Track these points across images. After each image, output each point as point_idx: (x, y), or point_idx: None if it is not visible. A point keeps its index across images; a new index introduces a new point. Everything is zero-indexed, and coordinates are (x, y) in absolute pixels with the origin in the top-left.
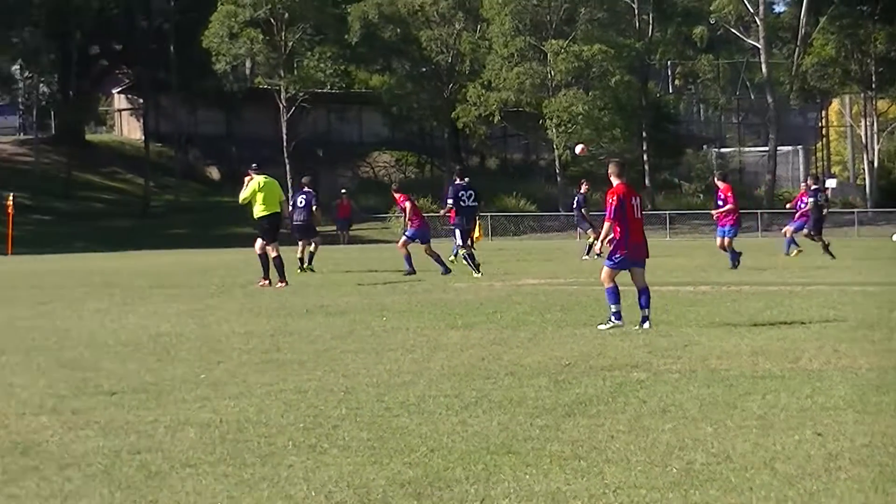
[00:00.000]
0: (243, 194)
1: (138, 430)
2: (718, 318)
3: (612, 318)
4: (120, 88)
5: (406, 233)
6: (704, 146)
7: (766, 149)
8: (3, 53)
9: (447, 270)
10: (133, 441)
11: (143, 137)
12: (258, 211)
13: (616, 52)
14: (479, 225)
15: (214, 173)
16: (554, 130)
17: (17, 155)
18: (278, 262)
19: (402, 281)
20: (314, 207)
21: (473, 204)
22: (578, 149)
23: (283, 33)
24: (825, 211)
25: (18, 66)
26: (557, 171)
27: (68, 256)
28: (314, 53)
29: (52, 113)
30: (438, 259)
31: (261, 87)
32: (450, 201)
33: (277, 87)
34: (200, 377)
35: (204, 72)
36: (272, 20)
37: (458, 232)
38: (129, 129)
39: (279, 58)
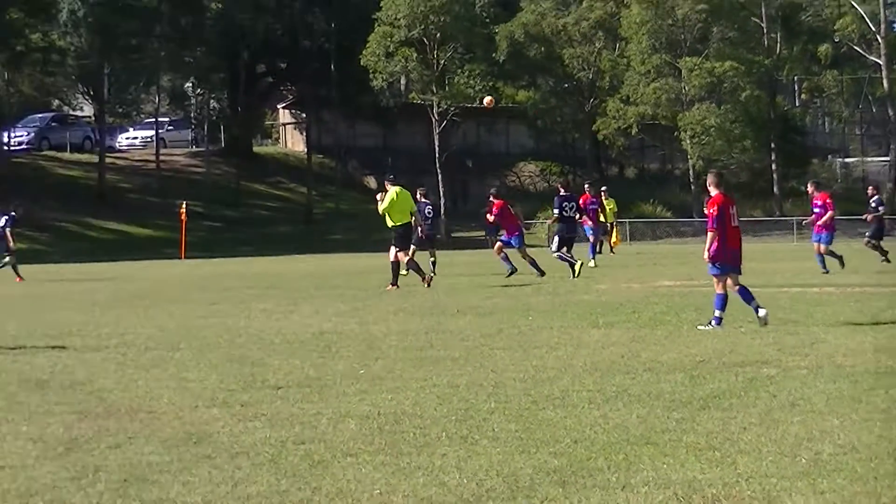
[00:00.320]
0: (383, 205)
1: (302, 421)
2: (843, 317)
3: (713, 322)
4: (284, 104)
5: (501, 238)
6: (829, 156)
7: (888, 159)
8: (177, 72)
9: (542, 273)
10: (298, 432)
11: (305, 149)
12: (394, 220)
13: (746, 69)
14: (617, 230)
15: (372, 182)
16: (688, 142)
17: (190, 166)
18: (413, 264)
19: (546, 282)
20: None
21: (574, 214)
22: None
23: (435, 52)
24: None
25: (191, 84)
26: (691, 179)
27: (236, 260)
28: (464, 71)
29: (222, 127)
30: (533, 262)
31: (415, 102)
32: (555, 211)
33: (430, 103)
34: (360, 372)
35: (362, 88)
36: (425, 40)
37: (556, 237)
38: (293, 142)
39: (432, 75)
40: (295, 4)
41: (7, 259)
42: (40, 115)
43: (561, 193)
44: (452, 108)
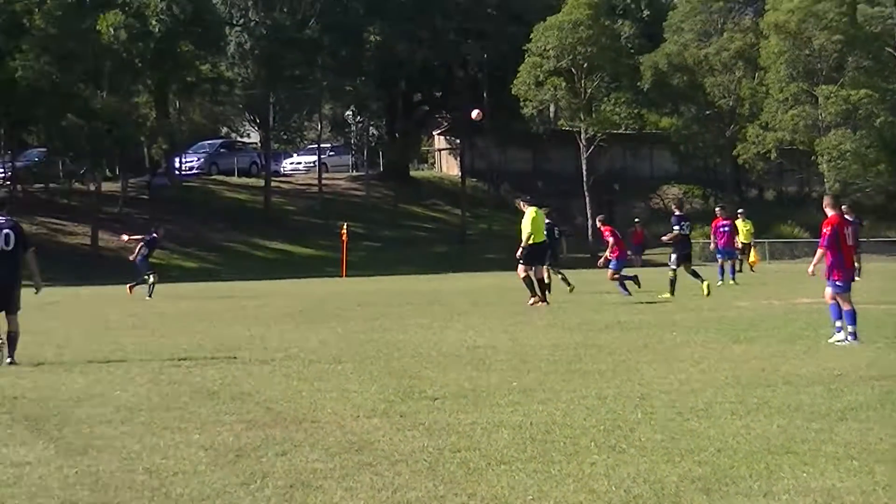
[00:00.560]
0: (529, 227)
1: (458, 430)
2: None
3: (849, 338)
4: (439, 131)
5: (611, 265)
6: None
7: None
8: (338, 100)
9: (628, 293)
10: (454, 440)
11: (459, 173)
12: (533, 238)
13: (880, 96)
14: (755, 250)
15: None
16: (825, 166)
17: (350, 189)
18: (528, 282)
19: (690, 299)
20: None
21: (688, 232)
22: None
23: (583, 81)
24: None
25: (351, 112)
26: None
27: (395, 278)
28: (610, 99)
29: (381, 152)
30: (622, 283)
31: (563, 128)
32: (676, 228)
33: (578, 129)
34: (512, 384)
35: (513, 115)
36: (573, 70)
37: (674, 255)
38: (448, 166)
39: (579, 102)
40: (450, 36)
41: (151, 278)
42: (210, 142)
43: (677, 214)
44: (599, 134)
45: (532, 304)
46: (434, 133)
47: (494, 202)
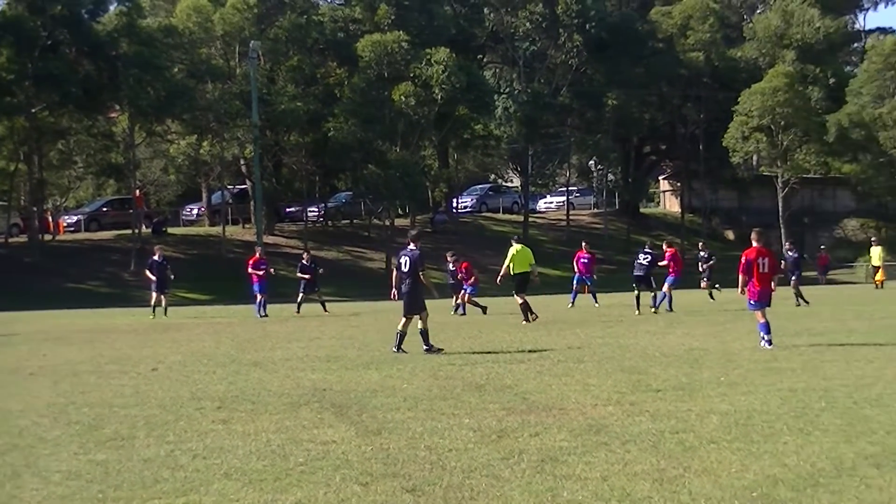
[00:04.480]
0: (508, 260)
1: (676, 416)
2: None
3: None
4: (664, 175)
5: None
6: None
7: None
8: (583, 152)
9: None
10: (673, 424)
11: (680, 210)
12: (515, 269)
13: None
14: (883, 269)
15: (730, 235)
16: None
17: (592, 223)
18: (525, 305)
19: (865, 310)
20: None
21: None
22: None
23: (780, 135)
24: None
25: (593, 161)
26: None
27: (627, 294)
28: (802, 149)
29: (617, 193)
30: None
31: (763, 173)
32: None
33: (775, 174)
34: (721, 379)
35: (723, 163)
36: (772, 126)
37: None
38: (670, 204)
39: (777, 153)
40: (673, 101)
41: (314, 296)
42: (480, 186)
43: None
44: (792, 178)
45: (532, 320)
46: (659, 177)
47: (707, 233)
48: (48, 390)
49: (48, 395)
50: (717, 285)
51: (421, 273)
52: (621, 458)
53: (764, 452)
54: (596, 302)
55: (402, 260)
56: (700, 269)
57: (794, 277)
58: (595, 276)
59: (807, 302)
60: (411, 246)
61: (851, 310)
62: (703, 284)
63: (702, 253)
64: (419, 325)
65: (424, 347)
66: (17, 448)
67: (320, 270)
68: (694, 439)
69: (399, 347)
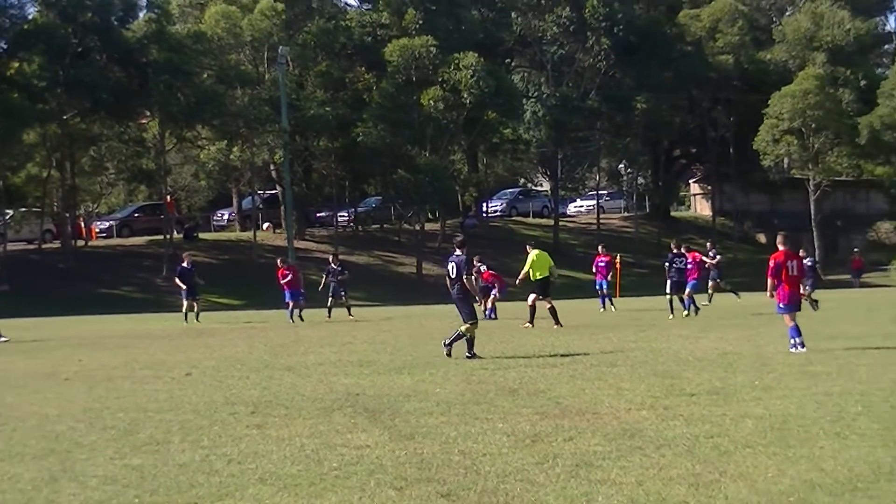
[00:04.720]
0: (528, 266)
1: (711, 420)
2: None
3: None
4: (694, 179)
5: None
6: None
7: None
8: (612, 156)
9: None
10: (707, 428)
11: (710, 213)
12: (535, 275)
13: None
14: None
15: (762, 238)
16: None
17: (622, 227)
18: (533, 310)
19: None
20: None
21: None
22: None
23: (811, 138)
24: None
25: (623, 165)
26: None
27: (658, 298)
28: (834, 152)
29: (647, 197)
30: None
31: (795, 176)
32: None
33: (807, 177)
34: (755, 383)
35: (754, 167)
36: (803, 129)
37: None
38: (701, 208)
39: (808, 155)
40: (703, 104)
41: (342, 300)
42: (510, 190)
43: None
44: (824, 181)
45: (524, 327)
46: (690, 181)
47: (739, 236)
48: (83, 395)
49: (83, 399)
50: (729, 287)
51: (465, 278)
52: (656, 462)
53: (800, 457)
54: (603, 308)
55: (450, 266)
56: (705, 267)
57: (808, 285)
58: (609, 279)
59: (816, 305)
60: (458, 252)
61: (887, 313)
62: (711, 285)
63: (710, 252)
64: (463, 330)
65: (467, 354)
66: (53, 453)
67: (346, 273)
68: (729, 444)
69: (450, 349)
